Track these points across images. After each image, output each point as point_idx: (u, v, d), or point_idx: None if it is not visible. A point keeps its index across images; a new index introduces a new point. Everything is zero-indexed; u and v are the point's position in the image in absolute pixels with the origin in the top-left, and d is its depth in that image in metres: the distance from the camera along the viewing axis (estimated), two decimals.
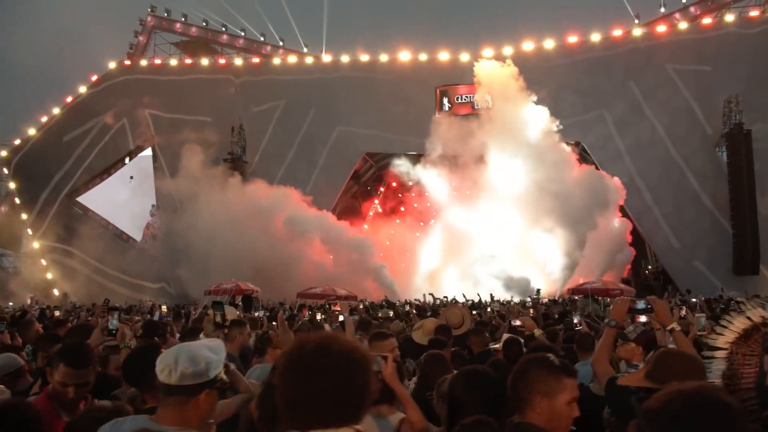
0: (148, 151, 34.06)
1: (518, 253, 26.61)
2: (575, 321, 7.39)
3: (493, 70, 28.46)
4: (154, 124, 33.30)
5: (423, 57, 31.26)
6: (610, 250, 26.34)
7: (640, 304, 3.63)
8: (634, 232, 27.60)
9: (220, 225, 26.17)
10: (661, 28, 29.36)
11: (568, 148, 27.63)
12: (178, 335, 6.70)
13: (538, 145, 26.42)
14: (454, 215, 28.89)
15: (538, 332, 5.88)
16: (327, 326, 7.44)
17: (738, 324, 2.43)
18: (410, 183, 31.60)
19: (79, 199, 33.84)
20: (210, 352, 2.40)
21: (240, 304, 15.74)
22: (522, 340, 5.35)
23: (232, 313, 6.23)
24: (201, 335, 5.79)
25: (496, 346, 5.61)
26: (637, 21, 30.38)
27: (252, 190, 28.41)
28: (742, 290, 20.38)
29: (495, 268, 26.22)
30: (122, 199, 31.88)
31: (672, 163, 27.82)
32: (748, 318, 2.46)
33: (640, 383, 2.80)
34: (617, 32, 29.83)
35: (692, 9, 29.99)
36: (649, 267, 31.79)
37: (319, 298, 19.23)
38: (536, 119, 26.82)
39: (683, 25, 29.17)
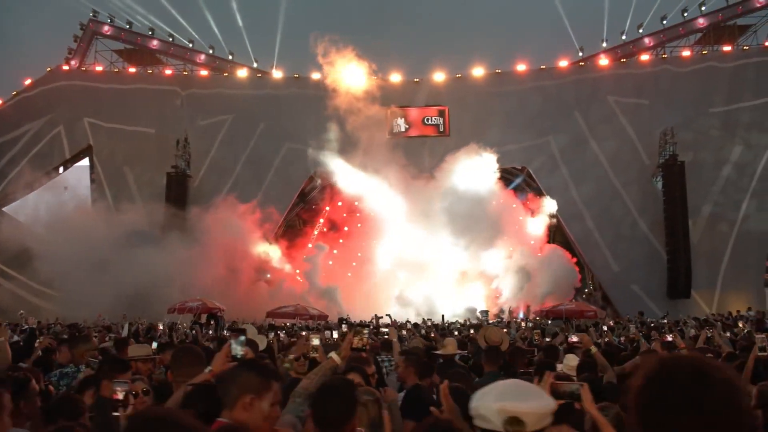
0: (86, 161, 32.52)
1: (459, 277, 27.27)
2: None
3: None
4: (93, 133, 31.90)
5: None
6: (555, 274, 27.01)
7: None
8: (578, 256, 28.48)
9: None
10: (604, 62, 30.77)
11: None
12: None
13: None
14: (398, 237, 28.88)
15: (594, 349, 5.91)
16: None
17: None
18: (356, 203, 31.52)
19: (8, 208, 31.80)
20: None
21: (213, 323, 15.07)
22: None
23: (261, 340, 5.90)
24: None
25: None
26: (581, 53, 31.71)
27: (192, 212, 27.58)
28: (676, 313, 21.32)
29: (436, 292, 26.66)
30: (55, 209, 29.93)
31: (613, 191, 29.02)
32: None
33: None
34: (563, 63, 31.02)
35: (630, 46, 31.57)
36: (586, 290, 32.71)
37: (290, 317, 18.64)
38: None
39: (624, 60, 30.70)
